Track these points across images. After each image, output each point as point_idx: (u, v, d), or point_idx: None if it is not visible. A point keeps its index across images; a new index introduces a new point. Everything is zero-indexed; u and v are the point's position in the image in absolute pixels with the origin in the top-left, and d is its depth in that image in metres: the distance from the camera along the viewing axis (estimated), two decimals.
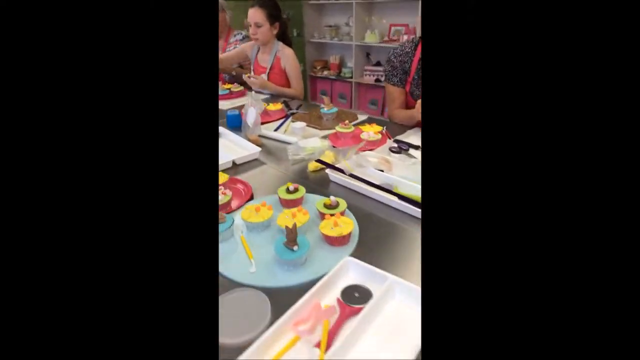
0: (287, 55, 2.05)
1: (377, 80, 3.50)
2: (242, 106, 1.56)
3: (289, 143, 1.34)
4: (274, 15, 1.94)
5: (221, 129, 1.42)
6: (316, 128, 1.52)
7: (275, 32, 2.00)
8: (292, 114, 1.64)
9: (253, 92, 2.06)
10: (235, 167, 1.18)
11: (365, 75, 3.61)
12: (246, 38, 2.37)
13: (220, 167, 1.14)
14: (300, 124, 1.48)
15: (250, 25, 1.96)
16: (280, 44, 2.06)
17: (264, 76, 2.05)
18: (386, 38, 3.42)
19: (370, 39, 3.43)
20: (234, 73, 2.31)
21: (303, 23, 3.86)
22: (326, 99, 1.65)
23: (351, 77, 3.70)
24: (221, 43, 2.42)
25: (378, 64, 3.58)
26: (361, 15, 3.44)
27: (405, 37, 3.27)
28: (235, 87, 2.06)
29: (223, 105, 1.87)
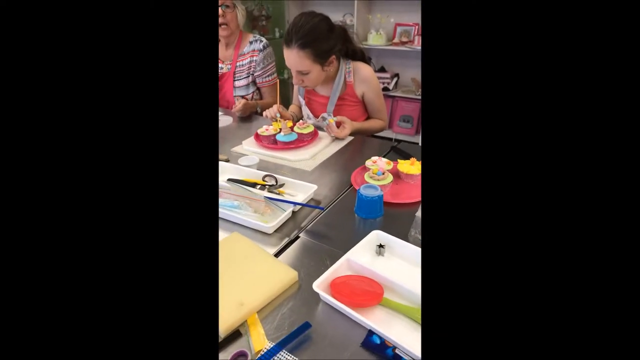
0: (365, 78, 1.38)
1: (385, 88, 2.97)
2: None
3: None
4: (324, 51, 1.25)
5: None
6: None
7: (331, 67, 1.32)
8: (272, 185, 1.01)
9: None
10: None
11: None
12: (267, 48, 1.67)
13: None
14: None
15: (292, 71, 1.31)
16: (350, 62, 1.39)
17: (330, 116, 1.38)
18: (396, 40, 2.87)
19: (376, 40, 2.89)
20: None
21: (286, 21, 3.13)
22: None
23: None
24: (229, 53, 1.68)
25: (383, 69, 3.08)
26: (361, 12, 2.89)
27: (418, 38, 2.78)
28: (304, 126, 1.28)
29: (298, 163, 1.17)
